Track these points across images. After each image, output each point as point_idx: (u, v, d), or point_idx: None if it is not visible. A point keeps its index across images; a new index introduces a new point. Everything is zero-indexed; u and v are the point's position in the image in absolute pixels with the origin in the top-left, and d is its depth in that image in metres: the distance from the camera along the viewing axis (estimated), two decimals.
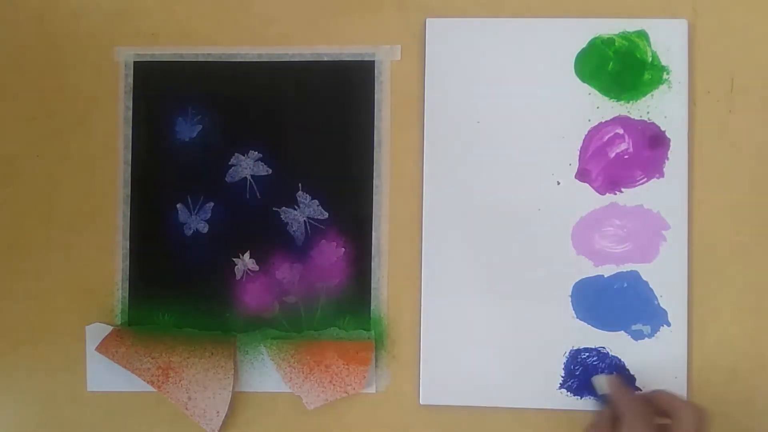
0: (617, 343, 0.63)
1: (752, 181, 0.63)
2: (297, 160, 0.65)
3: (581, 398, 0.63)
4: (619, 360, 0.63)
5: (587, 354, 0.63)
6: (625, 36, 0.64)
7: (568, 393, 0.63)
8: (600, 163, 0.63)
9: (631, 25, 0.63)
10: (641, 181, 0.63)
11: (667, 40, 0.63)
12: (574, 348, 0.63)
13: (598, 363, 0.63)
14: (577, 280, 0.63)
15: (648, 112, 0.63)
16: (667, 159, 0.63)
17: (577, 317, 0.63)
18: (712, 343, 0.63)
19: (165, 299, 0.65)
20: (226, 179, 0.65)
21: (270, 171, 0.65)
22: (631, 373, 0.63)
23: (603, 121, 0.63)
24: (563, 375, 0.63)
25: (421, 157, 0.64)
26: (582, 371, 0.63)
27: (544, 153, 0.63)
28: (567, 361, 0.63)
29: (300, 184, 0.65)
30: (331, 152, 0.65)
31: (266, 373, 0.64)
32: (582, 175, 0.63)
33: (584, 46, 0.64)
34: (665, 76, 0.63)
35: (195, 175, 0.65)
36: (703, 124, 0.64)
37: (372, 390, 0.64)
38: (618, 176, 0.63)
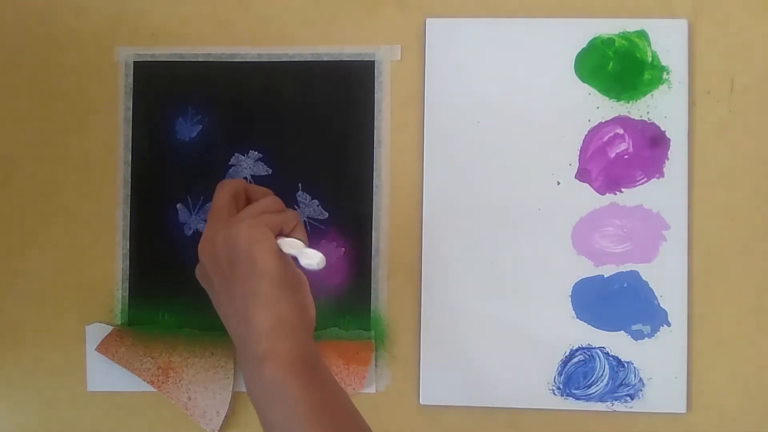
0: (617, 343, 0.63)
1: (752, 181, 0.63)
2: (297, 160, 0.65)
3: (581, 399, 0.63)
4: (619, 360, 0.63)
5: (587, 354, 0.63)
6: (625, 36, 0.64)
7: (569, 393, 0.63)
8: (600, 163, 0.63)
9: (631, 25, 0.63)
10: (641, 181, 0.63)
11: (667, 40, 0.63)
12: (574, 348, 0.63)
13: (598, 363, 0.63)
14: (577, 280, 0.63)
15: (648, 112, 0.63)
16: (667, 159, 0.63)
17: (577, 317, 0.63)
18: (712, 343, 0.63)
19: (165, 299, 0.65)
20: (226, 179, 0.65)
21: (270, 171, 0.65)
22: (633, 366, 0.63)
23: (603, 121, 0.63)
24: None
25: (421, 157, 0.64)
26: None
27: (544, 153, 0.63)
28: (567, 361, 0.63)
29: (300, 184, 0.65)
30: (331, 152, 0.65)
31: None
32: (582, 175, 0.63)
33: (584, 46, 0.64)
34: (665, 76, 0.63)
35: (195, 175, 0.65)
36: (703, 124, 0.64)
37: (372, 390, 0.64)
38: (618, 176, 0.63)
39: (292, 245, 0.53)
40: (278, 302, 0.51)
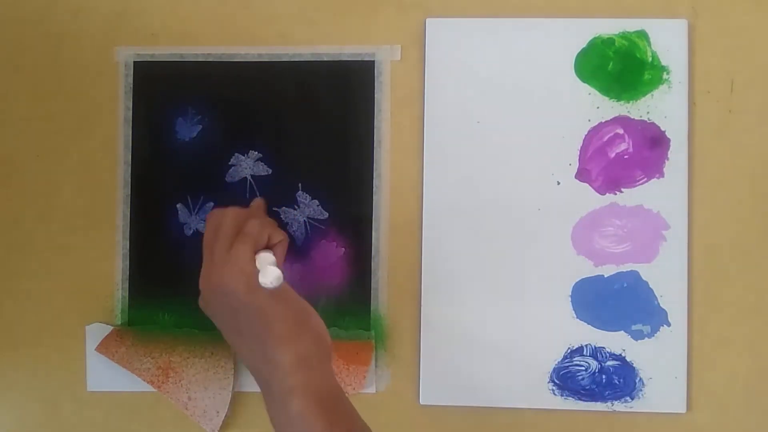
0: (617, 343, 0.63)
1: (752, 181, 0.63)
2: (297, 160, 0.65)
3: (581, 399, 0.63)
4: (619, 360, 0.63)
5: (587, 354, 0.63)
6: (625, 36, 0.63)
7: (568, 393, 0.63)
8: (600, 163, 0.63)
9: (631, 25, 0.63)
10: (641, 181, 0.63)
11: (667, 40, 0.63)
12: (574, 348, 0.63)
13: (598, 363, 0.63)
14: (577, 280, 0.63)
15: (648, 112, 0.63)
16: (667, 159, 0.63)
17: (577, 317, 0.63)
18: (712, 343, 0.63)
19: (165, 299, 0.65)
20: (226, 179, 0.65)
21: (270, 171, 0.65)
22: (634, 366, 0.63)
23: (603, 121, 0.63)
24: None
25: (421, 157, 0.64)
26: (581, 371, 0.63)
27: (544, 153, 0.63)
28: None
29: (300, 184, 0.65)
30: (331, 152, 0.65)
31: None
32: (582, 175, 0.63)
33: (584, 46, 0.64)
34: (665, 76, 0.63)
35: (195, 175, 0.65)
36: (703, 124, 0.64)
37: (372, 390, 0.64)
38: (618, 176, 0.63)
39: (261, 261, 0.54)
40: (294, 339, 0.52)
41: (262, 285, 0.52)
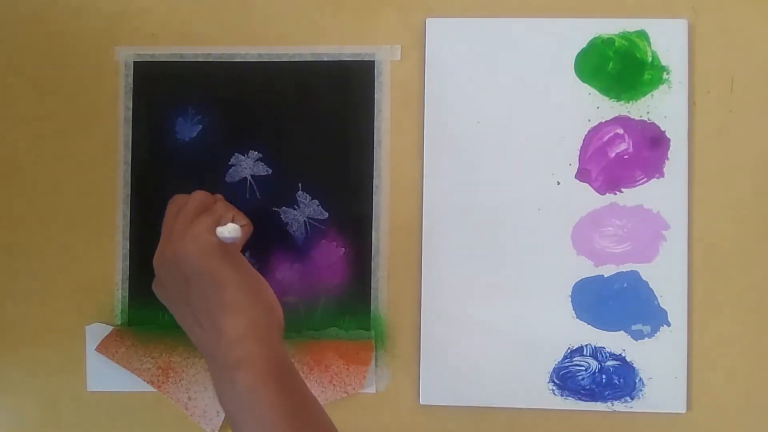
0: (617, 343, 0.63)
1: (752, 181, 0.63)
2: (297, 160, 0.65)
3: (581, 399, 0.63)
4: (619, 360, 0.63)
5: (587, 354, 0.63)
6: (625, 36, 0.64)
7: (568, 393, 0.63)
8: (600, 163, 0.63)
9: (631, 25, 0.63)
10: (641, 181, 0.63)
11: (667, 40, 0.63)
12: (574, 348, 0.63)
13: (598, 363, 0.63)
14: (577, 280, 0.63)
15: (648, 112, 0.63)
16: (667, 159, 0.63)
17: (577, 317, 0.63)
18: (712, 343, 0.63)
19: None
20: (226, 179, 0.65)
21: (270, 171, 0.65)
22: (633, 366, 0.63)
23: (603, 121, 0.63)
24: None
25: (421, 157, 0.64)
26: (582, 371, 0.63)
27: (544, 153, 0.63)
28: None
29: (300, 184, 0.65)
30: (331, 152, 0.65)
31: None
32: (582, 175, 0.63)
33: (584, 46, 0.64)
34: (665, 76, 0.63)
35: (195, 175, 0.65)
36: (703, 124, 0.64)
37: (372, 390, 0.64)
38: (618, 176, 0.63)
39: (222, 228, 0.54)
40: (245, 308, 0.51)
41: (218, 234, 0.52)
